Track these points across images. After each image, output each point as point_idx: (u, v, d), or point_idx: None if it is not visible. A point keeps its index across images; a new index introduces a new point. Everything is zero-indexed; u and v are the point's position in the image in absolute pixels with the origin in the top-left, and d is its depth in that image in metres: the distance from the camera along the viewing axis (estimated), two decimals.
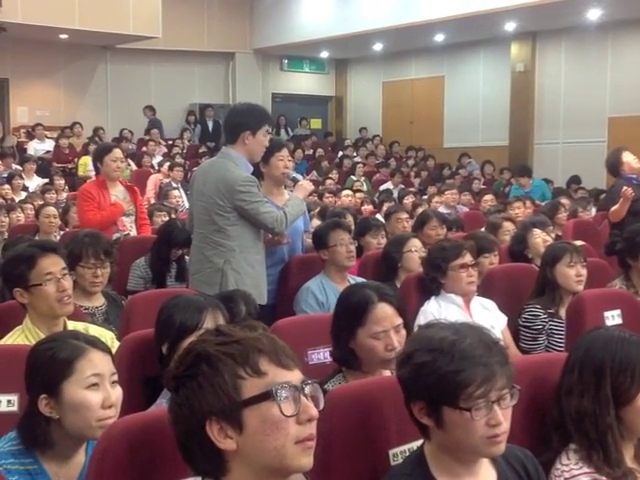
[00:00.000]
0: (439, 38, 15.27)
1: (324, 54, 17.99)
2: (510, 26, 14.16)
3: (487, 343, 1.84)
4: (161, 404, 2.40)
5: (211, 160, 4.66)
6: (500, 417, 1.78)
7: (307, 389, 1.53)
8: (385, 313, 2.64)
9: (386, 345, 2.58)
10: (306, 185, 4.66)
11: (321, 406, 1.55)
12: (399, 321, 2.66)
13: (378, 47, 16.48)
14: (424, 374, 1.81)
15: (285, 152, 4.76)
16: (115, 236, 5.46)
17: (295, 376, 1.53)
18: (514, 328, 4.13)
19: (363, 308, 2.64)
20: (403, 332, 2.63)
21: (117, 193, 5.68)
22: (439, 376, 1.78)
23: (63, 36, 14.26)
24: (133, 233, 5.69)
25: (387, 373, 2.59)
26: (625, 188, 5.98)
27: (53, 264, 3.03)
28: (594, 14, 12.95)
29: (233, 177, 4.20)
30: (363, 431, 2.10)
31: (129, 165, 11.85)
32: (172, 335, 2.59)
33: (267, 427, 1.48)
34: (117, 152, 5.73)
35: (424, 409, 1.83)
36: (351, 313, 2.67)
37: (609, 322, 3.43)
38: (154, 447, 1.77)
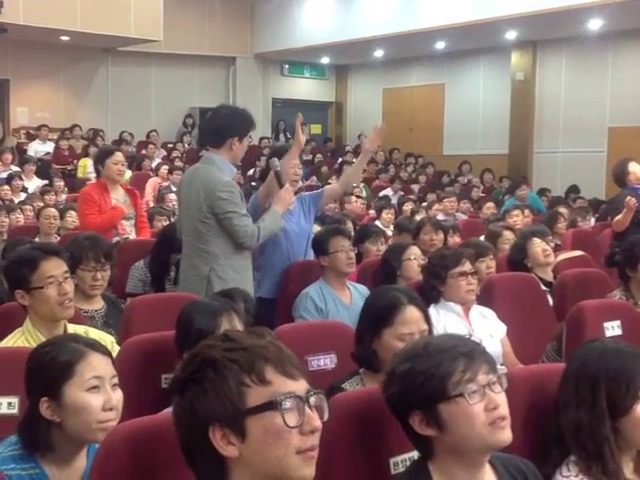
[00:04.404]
0: (440, 46, 15.31)
1: (325, 60, 18.03)
2: (511, 35, 14.21)
3: (459, 337, 1.91)
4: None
5: (194, 166, 4.58)
6: (497, 399, 1.80)
7: (312, 400, 1.52)
8: (413, 316, 2.69)
9: None
10: (286, 197, 4.36)
11: (325, 417, 1.54)
12: (425, 327, 2.70)
13: (379, 54, 16.51)
14: (409, 381, 1.84)
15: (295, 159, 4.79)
16: (114, 239, 5.45)
17: (300, 386, 1.52)
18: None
19: (392, 309, 2.69)
20: None
21: (117, 196, 5.66)
22: (423, 376, 1.81)
23: (64, 38, 14.27)
24: (133, 237, 5.68)
25: None
26: (629, 198, 6.02)
27: (55, 267, 3.03)
28: (595, 24, 12.99)
29: (213, 182, 4.17)
30: (364, 439, 2.10)
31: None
32: (191, 342, 2.60)
33: (270, 437, 1.47)
34: (119, 155, 5.73)
35: (423, 419, 1.83)
36: (379, 313, 2.71)
37: (609, 333, 3.43)
38: (156, 453, 1.77)
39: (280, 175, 4.43)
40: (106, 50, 15.84)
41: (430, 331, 2.74)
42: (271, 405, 1.47)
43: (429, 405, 1.81)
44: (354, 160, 15.34)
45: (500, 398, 1.81)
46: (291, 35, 16.24)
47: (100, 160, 5.76)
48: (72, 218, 7.24)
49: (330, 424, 1.82)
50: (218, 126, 4.32)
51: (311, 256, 4.88)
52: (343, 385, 2.62)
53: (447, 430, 1.81)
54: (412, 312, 2.70)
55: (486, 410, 1.79)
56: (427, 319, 2.75)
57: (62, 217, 7.10)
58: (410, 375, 1.84)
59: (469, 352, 1.83)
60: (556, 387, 2.27)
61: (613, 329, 3.48)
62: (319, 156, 15.71)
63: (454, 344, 1.86)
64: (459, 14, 13.16)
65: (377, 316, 2.71)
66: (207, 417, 1.49)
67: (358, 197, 10.08)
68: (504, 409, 1.81)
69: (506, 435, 1.81)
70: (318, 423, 1.51)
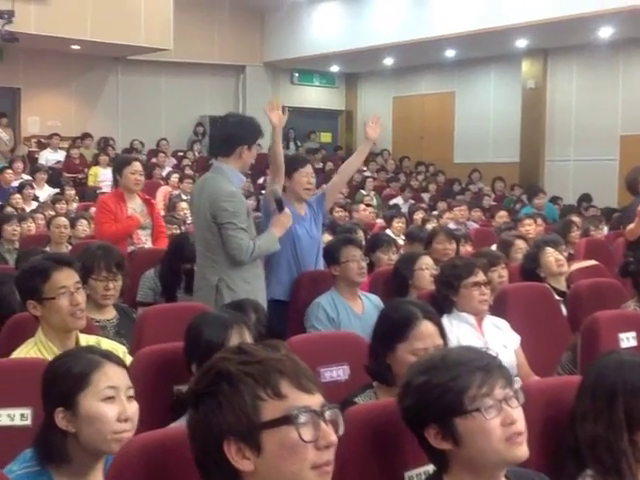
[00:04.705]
0: (450, 54, 15.31)
1: (334, 68, 18.05)
2: (521, 43, 14.21)
3: (476, 350, 1.89)
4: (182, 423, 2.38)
5: (204, 176, 4.60)
6: (513, 415, 1.78)
7: (327, 414, 1.51)
8: (428, 331, 2.66)
9: None
10: (285, 221, 4.39)
11: (341, 431, 1.53)
12: (440, 342, 2.66)
13: (389, 62, 16.52)
14: (425, 394, 1.81)
15: (309, 168, 4.81)
16: (129, 249, 5.45)
17: (315, 400, 1.51)
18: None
19: (407, 323, 2.66)
20: None
21: (134, 206, 5.66)
22: (440, 390, 1.79)
23: (75, 47, 14.32)
24: (148, 246, 5.67)
25: None
26: None
27: (67, 278, 3.03)
28: (606, 32, 12.97)
29: (218, 191, 4.18)
30: (379, 452, 2.09)
31: None
32: (200, 354, 2.59)
33: (285, 451, 1.46)
34: (136, 165, 5.75)
35: (439, 433, 1.81)
36: (393, 327, 2.68)
37: (624, 344, 3.40)
38: (171, 466, 1.76)
39: (281, 202, 4.44)
40: (116, 59, 15.89)
41: (445, 345, 2.69)
42: (286, 419, 1.46)
43: (445, 419, 1.79)
44: (364, 168, 15.40)
45: (517, 413, 1.79)
46: (301, 43, 16.28)
47: (118, 169, 5.78)
48: (83, 227, 7.27)
49: (344, 437, 1.81)
50: (227, 135, 4.33)
51: (321, 264, 4.89)
52: (356, 399, 2.60)
53: (463, 444, 1.79)
54: (427, 327, 2.66)
55: (502, 425, 1.77)
56: (442, 334, 2.71)
57: (73, 226, 7.11)
58: (427, 388, 1.82)
59: (486, 366, 1.81)
60: (572, 400, 2.25)
61: (628, 340, 3.45)
62: (330, 164, 15.70)
63: (471, 357, 1.84)
64: (469, 22, 13.16)
65: (391, 330, 2.68)
66: (222, 431, 1.47)
67: (368, 205, 10.08)
68: (521, 424, 1.79)
69: (522, 451, 1.79)
70: (334, 438, 1.50)
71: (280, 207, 4.41)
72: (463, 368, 1.80)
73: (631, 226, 6.07)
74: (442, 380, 1.80)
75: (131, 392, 2.11)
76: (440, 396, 1.79)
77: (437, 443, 1.82)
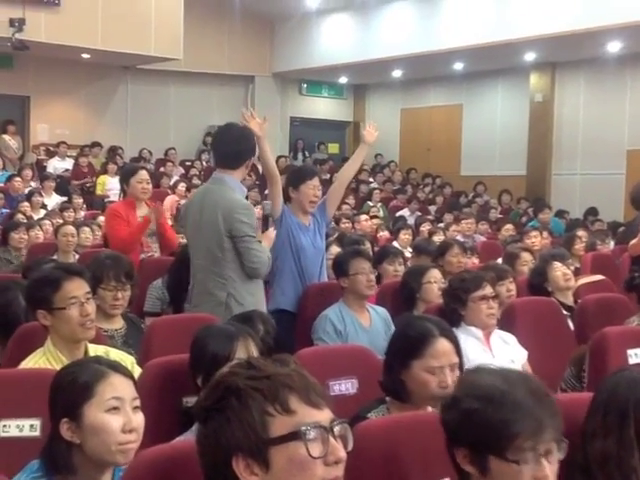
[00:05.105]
0: (458, 66, 15.33)
1: (343, 79, 18.07)
2: (530, 56, 14.21)
3: (538, 394, 1.80)
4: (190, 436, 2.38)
5: (204, 187, 4.59)
6: (547, 472, 1.73)
7: (336, 429, 1.50)
8: (444, 349, 2.63)
9: (440, 382, 2.55)
10: (272, 236, 4.49)
11: (350, 447, 1.52)
12: (456, 360, 2.64)
13: (397, 74, 16.55)
14: (472, 421, 1.77)
15: (316, 181, 4.81)
16: (141, 257, 5.45)
17: (324, 415, 1.50)
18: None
19: (423, 340, 2.63)
20: (457, 372, 2.59)
21: (142, 214, 5.64)
22: (487, 425, 1.74)
23: (85, 55, 14.37)
24: (157, 254, 5.67)
25: (430, 409, 2.56)
26: None
27: (78, 288, 3.03)
28: (614, 46, 12.97)
29: (233, 204, 4.19)
30: (389, 468, 2.08)
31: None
32: (206, 367, 2.58)
33: (294, 467, 1.45)
34: (143, 174, 5.74)
35: (468, 456, 1.78)
36: (409, 343, 2.65)
37: (632, 360, 3.39)
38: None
39: (268, 219, 4.52)
40: (126, 68, 15.93)
41: (461, 363, 2.67)
42: (295, 435, 1.45)
43: (481, 451, 1.76)
44: (370, 179, 15.43)
45: (551, 469, 1.75)
46: (309, 55, 16.32)
47: (125, 179, 5.77)
48: (86, 234, 7.26)
49: (356, 452, 1.81)
50: (237, 149, 4.36)
51: (325, 274, 4.89)
52: (369, 415, 2.57)
53: (489, 477, 1.76)
54: (443, 344, 2.63)
55: (533, 478, 1.73)
56: (458, 351, 2.68)
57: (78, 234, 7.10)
58: (475, 415, 1.76)
59: (542, 417, 1.75)
60: (581, 416, 2.24)
61: (637, 356, 3.43)
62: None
63: (530, 404, 1.76)
64: (478, 35, 13.17)
65: (407, 347, 2.65)
66: (230, 447, 1.47)
67: (373, 217, 10.07)
68: None
69: None
70: (342, 454, 1.49)
71: (266, 224, 4.46)
72: (518, 414, 1.74)
73: (634, 241, 6.03)
74: (494, 418, 1.74)
75: (137, 403, 2.10)
76: (485, 431, 1.74)
77: (463, 464, 1.80)
